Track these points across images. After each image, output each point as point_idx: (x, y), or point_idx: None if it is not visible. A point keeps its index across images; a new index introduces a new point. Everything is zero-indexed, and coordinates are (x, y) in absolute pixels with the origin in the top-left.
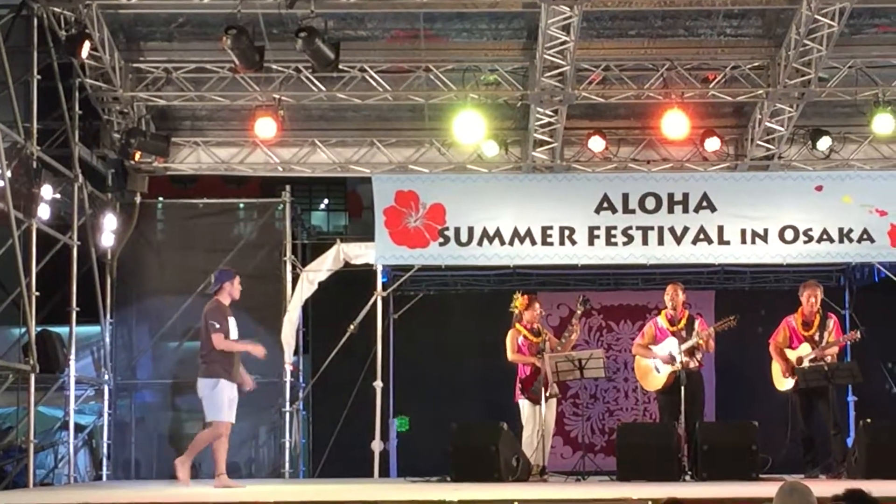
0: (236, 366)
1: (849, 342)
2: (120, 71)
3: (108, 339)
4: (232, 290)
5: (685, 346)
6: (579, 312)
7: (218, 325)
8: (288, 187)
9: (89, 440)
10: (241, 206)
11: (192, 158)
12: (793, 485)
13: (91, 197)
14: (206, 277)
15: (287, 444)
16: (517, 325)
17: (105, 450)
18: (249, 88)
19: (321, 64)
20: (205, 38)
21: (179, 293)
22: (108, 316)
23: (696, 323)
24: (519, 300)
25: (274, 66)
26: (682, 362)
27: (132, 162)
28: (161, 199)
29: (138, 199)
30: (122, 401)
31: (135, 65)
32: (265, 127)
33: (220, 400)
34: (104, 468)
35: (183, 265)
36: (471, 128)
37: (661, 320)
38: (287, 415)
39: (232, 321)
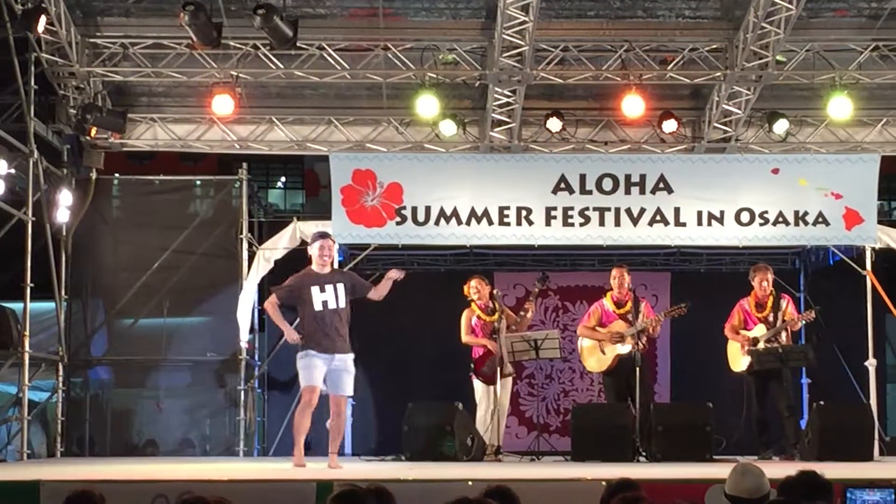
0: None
1: (804, 321)
2: (76, 46)
3: (62, 316)
4: (313, 255)
5: (639, 326)
6: (536, 290)
7: (272, 289)
8: (245, 165)
9: (43, 416)
10: (198, 183)
11: (148, 135)
12: (746, 466)
13: (46, 172)
14: (162, 254)
15: (242, 423)
16: (472, 305)
17: (59, 427)
18: (207, 65)
19: (279, 41)
20: (162, 13)
21: (135, 270)
22: (63, 292)
23: (642, 306)
24: (465, 287)
25: (231, 43)
26: (635, 344)
27: (88, 138)
28: (117, 175)
29: (94, 175)
30: (76, 377)
31: (91, 40)
32: (222, 104)
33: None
34: (58, 445)
35: (139, 242)
36: (429, 107)
37: (607, 303)
38: (242, 393)
39: (318, 289)
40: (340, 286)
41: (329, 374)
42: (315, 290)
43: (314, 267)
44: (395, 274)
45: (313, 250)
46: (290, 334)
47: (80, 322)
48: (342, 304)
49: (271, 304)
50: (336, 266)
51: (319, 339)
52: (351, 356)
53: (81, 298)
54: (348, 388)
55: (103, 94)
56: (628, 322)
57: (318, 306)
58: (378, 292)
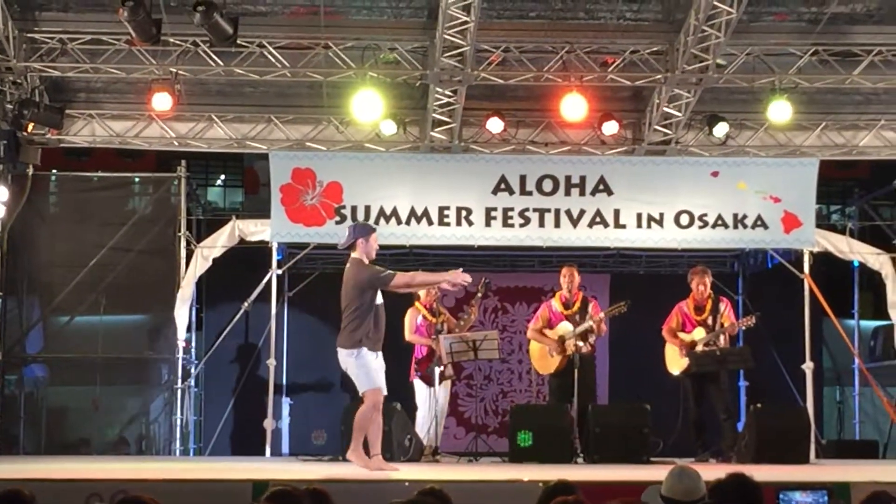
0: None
1: (743, 327)
2: (13, 41)
3: None
4: (367, 248)
5: (579, 329)
6: (479, 295)
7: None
8: (184, 162)
9: None
10: (136, 180)
11: (86, 131)
12: (682, 468)
13: None
14: (99, 251)
15: (178, 422)
16: (416, 304)
17: None
18: (146, 61)
19: (219, 38)
20: (101, 9)
21: (71, 267)
22: None
23: (590, 306)
24: None
25: (171, 40)
26: (575, 346)
27: (25, 133)
28: (54, 171)
29: (30, 170)
30: (10, 375)
31: (29, 35)
32: (161, 101)
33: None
34: None
35: (76, 238)
36: (369, 106)
37: (555, 303)
38: (179, 392)
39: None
40: None
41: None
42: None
43: (366, 261)
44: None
45: (369, 243)
46: (457, 276)
47: (15, 319)
48: (381, 298)
49: (408, 275)
50: None
51: (373, 337)
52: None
53: (17, 295)
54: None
55: (41, 90)
56: (576, 323)
57: (379, 300)
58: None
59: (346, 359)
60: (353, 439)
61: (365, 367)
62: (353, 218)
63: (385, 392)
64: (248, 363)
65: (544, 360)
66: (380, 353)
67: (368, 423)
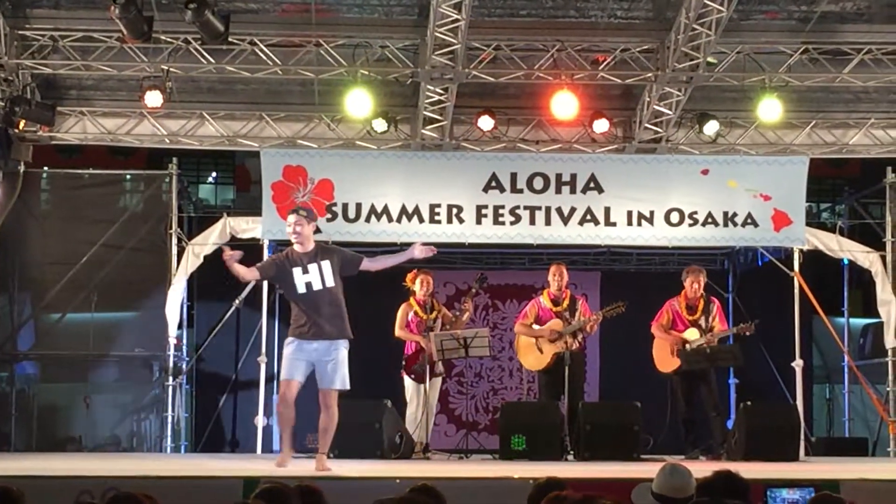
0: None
1: (743, 334)
2: (5, 38)
3: None
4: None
5: (570, 328)
6: (474, 291)
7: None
8: (175, 159)
9: None
10: (128, 177)
11: (77, 128)
12: (674, 466)
13: None
14: (91, 249)
15: (169, 419)
16: (411, 300)
17: None
18: (137, 59)
19: (210, 36)
20: (92, 6)
21: (63, 264)
22: None
23: (579, 304)
24: (409, 276)
25: (162, 37)
26: (566, 343)
27: (16, 130)
28: (46, 168)
29: (22, 168)
30: (2, 372)
31: (20, 32)
32: (153, 98)
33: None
34: None
35: (67, 236)
36: (361, 103)
37: (544, 300)
38: (170, 389)
39: (300, 271)
40: (326, 264)
41: (316, 364)
42: (297, 271)
43: (295, 247)
44: (421, 251)
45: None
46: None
47: (6, 316)
48: (329, 283)
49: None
50: (315, 243)
51: (304, 325)
52: (342, 343)
53: (8, 292)
54: (336, 380)
55: (32, 87)
56: (565, 320)
57: (301, 289)
58: (381, 263)
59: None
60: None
61: (286, 360)
62: (345, 215)
63: (294, 379)
64: (240, 360)
65: (531, 355)
66: (324, 342)
67: (280, 413)
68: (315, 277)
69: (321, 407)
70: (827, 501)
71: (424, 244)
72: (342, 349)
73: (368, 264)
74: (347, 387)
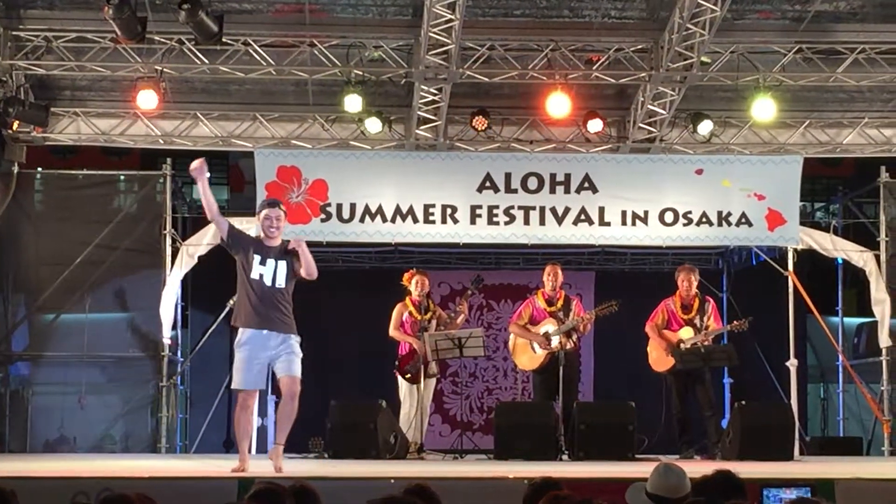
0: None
1: (736, 331)
2: None
3: None
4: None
5: (564, 328)
6: (469, 292)
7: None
8: (169, 160)
9: None
10: (122, 178)
11: (71, 129)
12: (668, 465)
13: None
14: (85, 249)
15: (164, 419)
16: (406, 300)
17: None
18: (131, 59)
19: (204, 36)
20: (86, 7)
21: (57, 265)
22: None
23: (573, 304)
24: (405, 276)
25: (156, 38)
26: (560, 343)
27: (10, 131)
28: (40, 169)
29: (16, 168)
30: None
31: (14, 32)
32: (146, 99)
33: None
34: None
35: (61, 236)
36: (354, 102)
37: (539, 300)
38: (164, 389)
39: (259, 258)
40: (283, 265)
41: (275, 356)
42: (256, 257)
43: (262, 238)
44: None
45: (259, 220)
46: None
47: (0, 317)
48: (280, 283)
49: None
50: (281, 242)
51: (254, 313)
52: (296, 339)
53: (2, 293)
54: (298, 368)
55: (26, 88)
56: (559, 320)
57: (254, 275)
58: (303, 267)
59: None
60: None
61: (243, 364)
62: (339, 216)
63: (250, 388)
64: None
65: (525, 355)
66: (279, 334)
67: (240, 422)
68: (269, 273)
69: (286, 396)
70: None
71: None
72: (297, 344)
73: (301, 270)
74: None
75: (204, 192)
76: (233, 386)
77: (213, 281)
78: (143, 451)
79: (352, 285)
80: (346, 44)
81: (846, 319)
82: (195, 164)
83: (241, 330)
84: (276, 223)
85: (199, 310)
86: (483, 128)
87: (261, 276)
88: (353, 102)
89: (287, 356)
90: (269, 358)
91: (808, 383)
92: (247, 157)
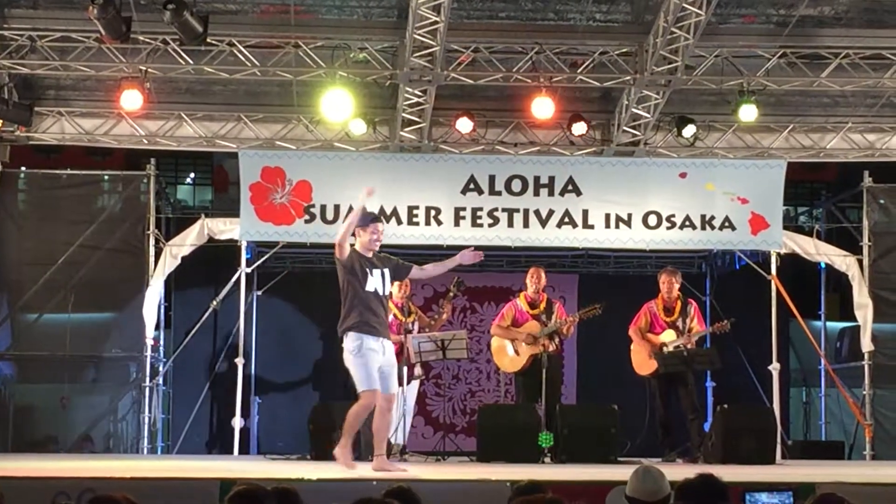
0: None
1: (719, 332)
2: None
3: None
4: (361, 238)
5: (547, 330)
6: (451, 294)
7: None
8: (153, 160)
9: None
10: (106, 178)
11: (55, 128)
12: (646, 468)
13: None
14: (68, 249)
15: (146, 420)
16: (388, 302)
17: None
18: (115, 59)
19: (189, 37)
20: (70, 6)
21: (40, 264)
22: None
23: (556, 307)
24: None
25: (141, 38)
26: (543, 345)
27: None
28: (23, 168)
29: None
30: None
31: None
32: (131, 99)
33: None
34: None
35: (44, 236)
36: (338, 106)
37: (521, 303)
38: (147, 390)
39: (369, 272)
40: (387, 272)
41: (382, 366)
42: (367, 271)
43: (359, 249)
44: (469, 256)
45: (364, 233)
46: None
47: None
48: (387, 290)
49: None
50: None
51: (373, 322)
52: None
53: None
54: (395, 386)
55: (10, 87)
56: (542, 322)
57: (370, 287)
58: (430, 272)
59: (345, 354)
60: (343, 436)
61: (366, 368)
62: (323, 217)
63: (385, 391)
64: (217, 362)
65: (507, 357)
66: (388, 343)
67: (356, 423)
68: (379, 282)
69: (383, 409)
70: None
71: (474, 250)
72: (392, 349)
73: (418, 273)
74: None
75: (355, 216)
76: (367, 388)
77: (197, 282)
78: (125, 452)
79: (335, 286)
80: (331, 45)
81: (829, 324)
82: (367, 190)
83: (355, 335)
84: (381, 238)
85: (182, 310)
86: (468, 131)
87: (375, 288)
88: (339, 109)
89: (389, 370)
90: (382, 364)
91: (791, 387)
92: (231, 157)
